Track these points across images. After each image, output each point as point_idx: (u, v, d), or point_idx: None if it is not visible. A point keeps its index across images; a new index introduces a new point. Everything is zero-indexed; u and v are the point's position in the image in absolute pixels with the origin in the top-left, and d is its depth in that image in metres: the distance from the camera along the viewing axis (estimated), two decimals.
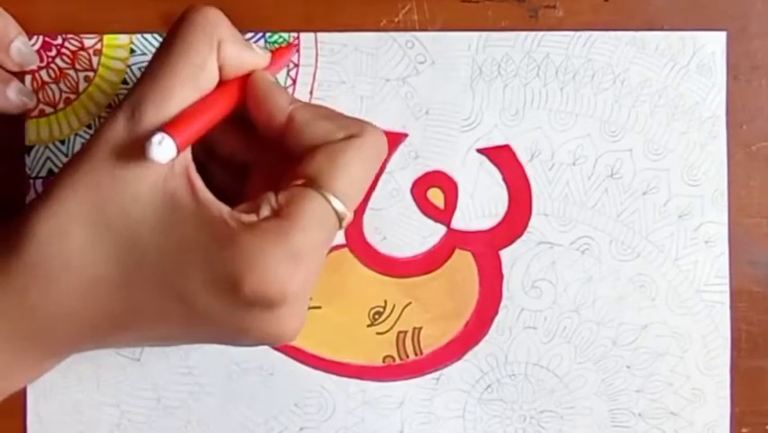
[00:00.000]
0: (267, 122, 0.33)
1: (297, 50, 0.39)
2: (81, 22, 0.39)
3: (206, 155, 0.32)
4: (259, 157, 0.35)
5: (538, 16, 0.40)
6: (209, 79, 0.31)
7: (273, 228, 0.29)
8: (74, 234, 0.30)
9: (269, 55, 0.34)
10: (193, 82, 0.31)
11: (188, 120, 0.30)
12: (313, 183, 0.31)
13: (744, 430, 0.40)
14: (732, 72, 0.40)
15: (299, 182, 0.31)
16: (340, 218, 0.31)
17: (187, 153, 0.31)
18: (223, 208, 0.30)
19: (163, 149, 0.29)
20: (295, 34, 0.39)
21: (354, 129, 0.32)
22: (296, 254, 0.29)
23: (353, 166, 0.31)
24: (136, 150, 0.29)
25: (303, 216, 0.30)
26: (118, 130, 0.30)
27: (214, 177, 0.32)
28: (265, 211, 0.30)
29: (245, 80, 0.33)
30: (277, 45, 0.39)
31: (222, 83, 0.32)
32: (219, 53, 0.32)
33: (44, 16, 0.39)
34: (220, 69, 0.32)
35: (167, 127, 0.29)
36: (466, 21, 0.39)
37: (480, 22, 0.39)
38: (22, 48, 0.38)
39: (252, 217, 0.30)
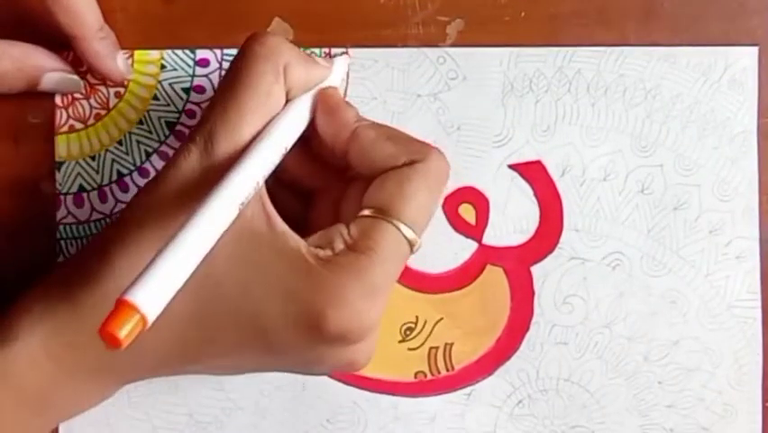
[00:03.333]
0: (331, 138, 0.33)
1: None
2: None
3: (272, 180, 0.32)
4: (324, 183, 0.35)
5: None
6: (277, 104, 0.32)
7: (351, 264, 0.30)
8: None
9: (332, 65, 0.35)
10: (261, 110, 0.31)
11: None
12: (383, 213, 0.31)
13: None
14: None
15: (368, 212, 0.31)
16: (411, 245, 0.31)
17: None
18: (299, 241, 0.30)
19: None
20: (326, 50, 0.39)
21: (418, 153, 0.32)
22: (374, 289, 0.30)
23: (421, 193, 0.31)
24: (211, 180, 0.29)
25: (379, 250, 0.30)
26: (191, 161, 0.31)
27: (279, 201, 0.32)
28: (339, 245, 0.30)
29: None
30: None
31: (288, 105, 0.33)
32: (286, 78, 0.32)
33: None
34: (288, 91, 0.32)
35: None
36: None
37: None
38: (121, 60, 0.38)
39: (328, 252, 0.30)
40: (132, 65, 0.39)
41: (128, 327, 0.25)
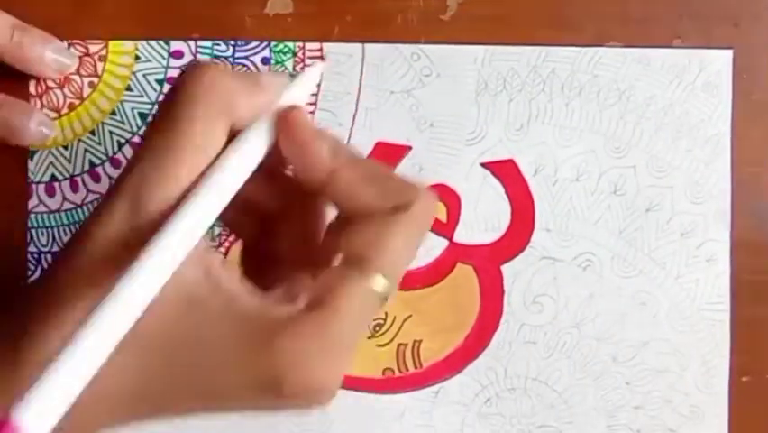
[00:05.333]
0: (304, 174, 0.29)
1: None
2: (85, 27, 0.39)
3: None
4: (286, 205, 0.31)
5: None
6: (216, 146, 0.28)
7: (312, 323, 0.27)
8: None
9: (283, 82, 0.30)
10: (197, 157, 0.27)
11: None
12: (355, 264, 0.28)
13: (744, 379, 0.40)
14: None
15: (339, 264, 0.28)
16: (384, 297, 0.28)
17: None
18: (253, 302, 0.27)
19: None
20: (300, 44, 0.39)
21: (404, 198, 0.28)
22: (336, 347, 0.27)
23: (399, 244, 0.28)
24: (141, 242, 0.26)
25: (343, 308, 0.27)
26: (119, 221, 0.27)
27: (235, 226, 0.30)
28: (302, 301, 0.28)
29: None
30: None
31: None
32: (230, 113, 0.28)
33: (47, 20, 0.39)
34: (233, 125, 0.28)
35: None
36: None
37: None
38: (53, 55, 0.38)
39: (289, 309, 0.27)
40: (106, 56, 0.39)
41: None
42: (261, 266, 0.30)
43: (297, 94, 0.30)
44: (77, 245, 0.28)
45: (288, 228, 0.31)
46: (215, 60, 0.29)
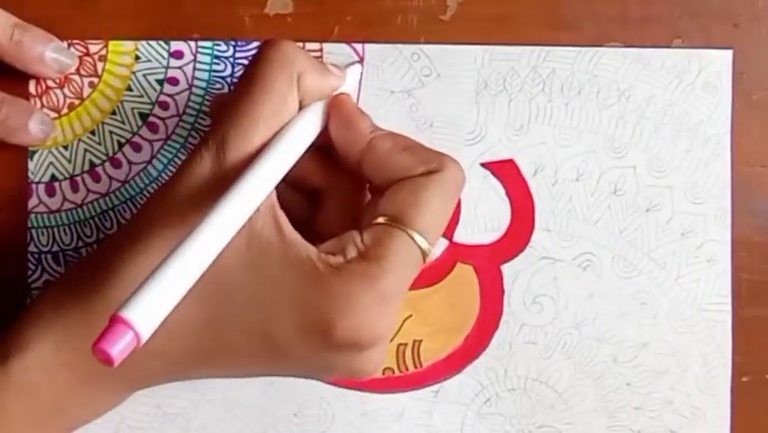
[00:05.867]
0: (346, 147, 0.33)
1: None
2: (85, 27, 0.39)
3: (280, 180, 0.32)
4: (333, 182, 0.35)
5: None
6: (290, 112, 0.32)
7: (362, 271, 0.30)
8: None
9: (345, 73, 0.35)
10: (274, 118, 0.31)
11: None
12: (397, 221, 0.31)
13: (744, 379, 0.40)
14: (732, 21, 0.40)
15: (382, 220, 0.31)
16: (424, 254, 0.31)
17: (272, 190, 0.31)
18: (309, 249, 0.30)
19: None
20: (300, 44, 0.39)
21: (434, 163, 0.32)
22: (385, 297, 0.30)
23: (435, 202, 0.31)
24: (222, 186, 0.29)
25: (390, 258, 0.30)
26: (203, 167, 0.31)
27: (286, 201, 0.32)
28: (351, 252, 0.30)
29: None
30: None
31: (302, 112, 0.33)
32: (299, 86, 0.32)
33: (47, 20, 0.39)
34: (301, 100, 0.32)
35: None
36: None
37: None
38: (53, 54, 0.38)
39: (339, 259, 0.30)
40: (106, 56, 0.39)
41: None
42: (306, 239, 0.32)
43: (344, 87, 0.35)
44: (164, 189, 0.31)
45: (332, 204, 0.34)
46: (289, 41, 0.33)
